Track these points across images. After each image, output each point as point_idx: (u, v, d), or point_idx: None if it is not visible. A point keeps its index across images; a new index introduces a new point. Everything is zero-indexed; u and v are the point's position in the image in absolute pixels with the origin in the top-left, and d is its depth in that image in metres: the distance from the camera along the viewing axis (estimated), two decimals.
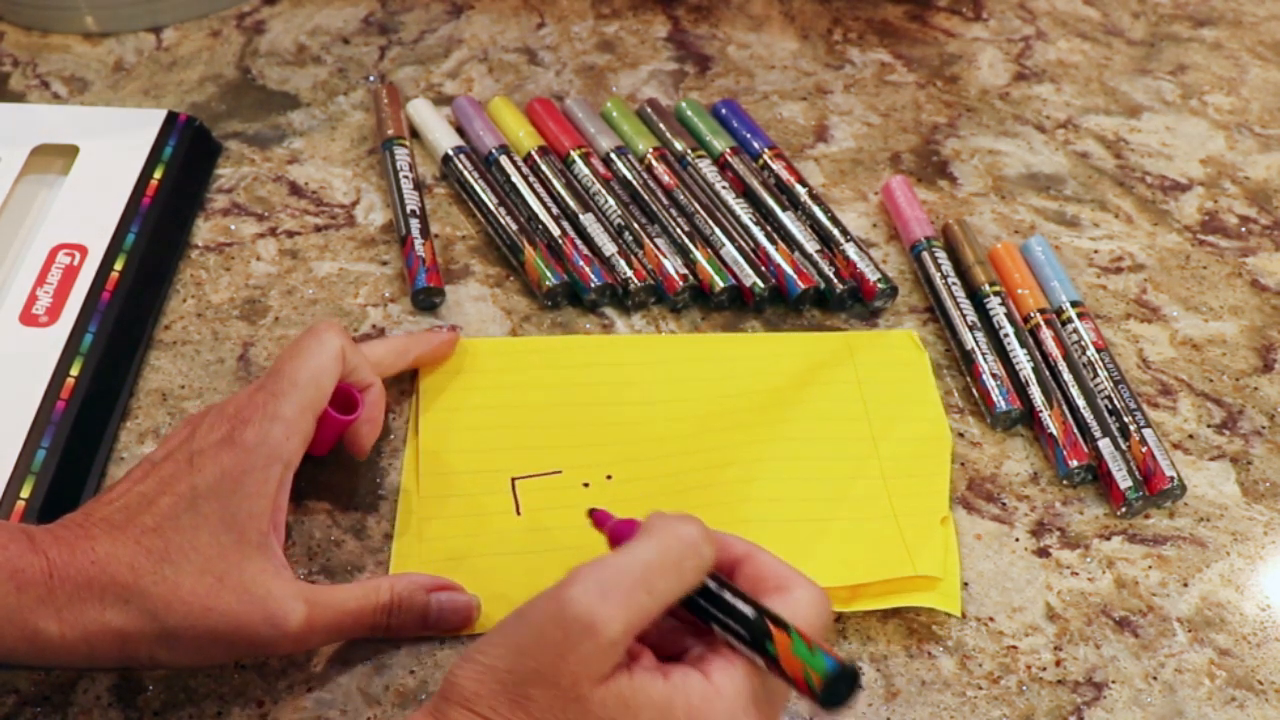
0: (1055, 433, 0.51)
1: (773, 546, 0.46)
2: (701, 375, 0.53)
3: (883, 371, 0.54)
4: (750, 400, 0.52)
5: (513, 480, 0.48)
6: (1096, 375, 0.53)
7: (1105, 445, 0.50)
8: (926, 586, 0.45)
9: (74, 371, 0.50)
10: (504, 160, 0.62)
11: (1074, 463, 0.50)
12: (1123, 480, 0.49)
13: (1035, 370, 0.53)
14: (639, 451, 0.50)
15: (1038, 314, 0.56)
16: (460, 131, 0.66)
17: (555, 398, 0.52)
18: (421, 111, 0.66)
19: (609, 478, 0.49)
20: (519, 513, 0.47)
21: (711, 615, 0.35)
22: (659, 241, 0.58)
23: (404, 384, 0.53)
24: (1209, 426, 0.53)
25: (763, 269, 0.57)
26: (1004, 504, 0.50)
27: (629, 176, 0.62)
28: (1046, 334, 0.55)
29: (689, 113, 0.66)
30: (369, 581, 0.42)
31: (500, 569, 0.46)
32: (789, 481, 0.49)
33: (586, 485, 0.48)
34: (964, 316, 0.55)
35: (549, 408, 0.51)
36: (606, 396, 0.52)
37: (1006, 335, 0.55)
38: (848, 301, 0.57)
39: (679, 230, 0.59)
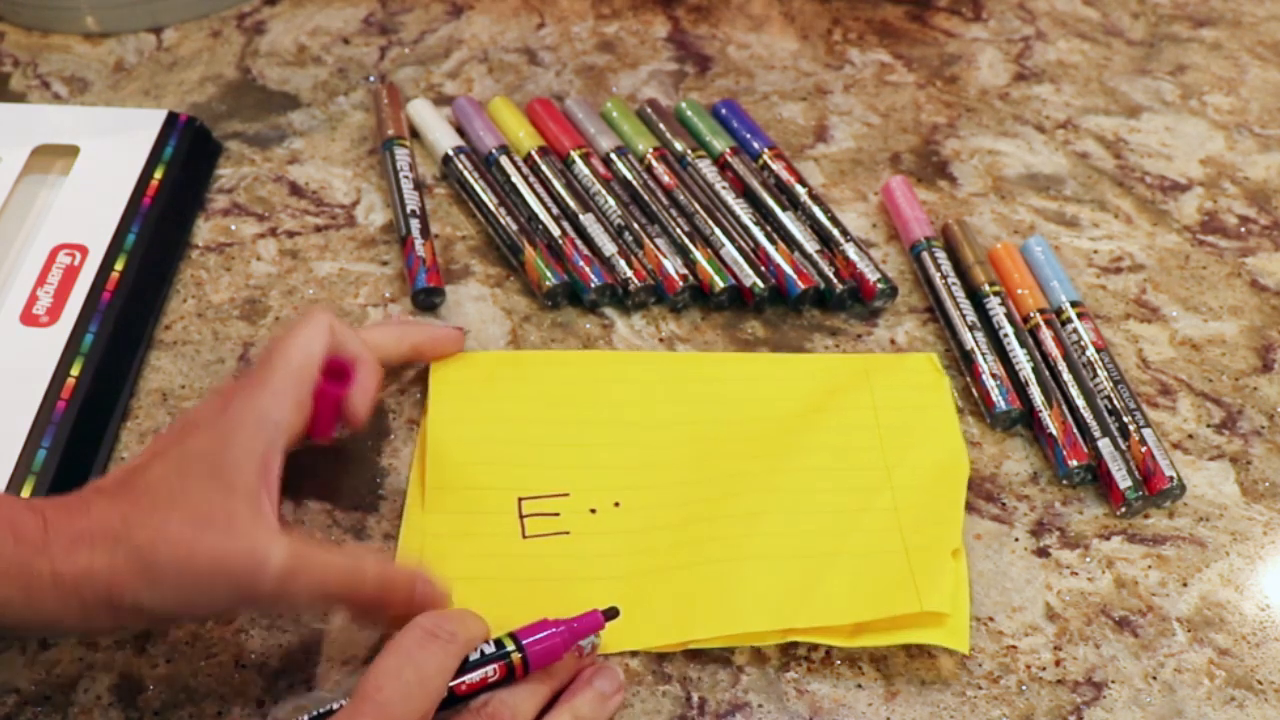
0: (1055, 433, 0.51)
1: (777, 583, 0.46)
2: (715, 397, 0.52)
3: (900, 396, 0.53)
4: (763, 427, 0.51)
5: (519, 500, 0.48)
6: (1096, 375, 0.53)
7: (1105, 445, 0.50)
8: (933, 622, 0.45)
9: (74, 371, 0.50)
10: (504, 160, 0.62)
11: (1074, 463, 0.50)
12: (1122, 480, 0.49)
13: (1035, 370, 0.53)
14: (648, 478, 0.49)
15: (1037, 314, 0.56)
16: (460, 132, 0.66)
17: (566, 414, 0.51)
18: (422, 112, 0.66)
19: (616, 504, 0.48)
20: (524, 535, 0.47)
21: None
22: (659, 241, 0.58)
23: (405, 381, 0.53)
24: (1208, 426, 0.53)
25: (763, 269, 0.57)
26: (1004, 504, 0.50)
27: (629, 177, 0.62)
28: (1046, 334, 0.55)
29: (689, 113, 0.66)
30: (359, 553, 0.43)
31: (500, 594, 0.45)
32: (798, 514, 0.48)
33: (593, 511, 0.48)
34: (964, 316, 0.55)
35: (560, 424, 0.51)
36: (618, 416, 0.51)
37: (1006, 335, 0.55)
38: (848, 301, 0.57)
39: (679, 230, 0.59)
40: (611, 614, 0.42)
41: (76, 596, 0.38)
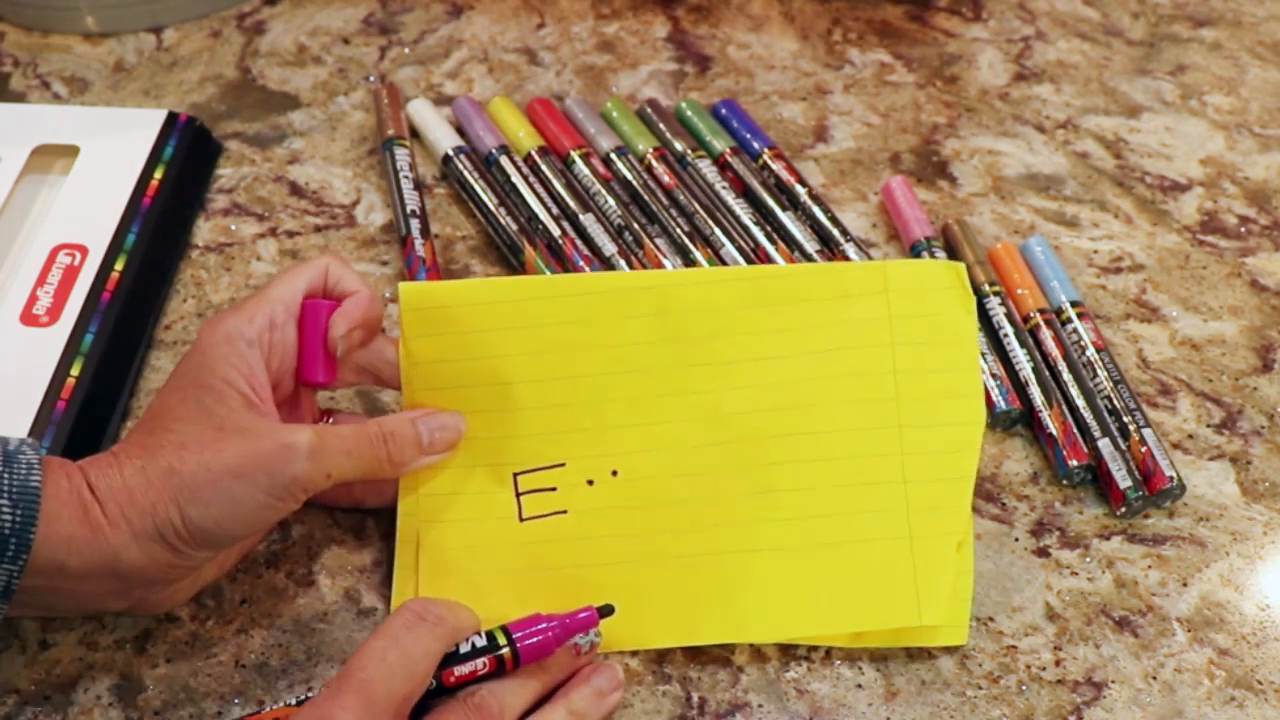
0: (1055, 433, 0.51)
1: (780, 585, 0.45)
2: (713, 332, 0.47)
3: (918, 329, 0.47)
4: (770, 376, 0.47)
5: (515, 475, 0.47)
6: (1096, 375, 0.53)
7: (1105, 445, 0.50)
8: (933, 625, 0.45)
9: (74, 371, 0.50)
10: (504, 160, 0.62)
11: (1074, 463, 0.50)
12: (1122, 480, 0.49)
13: (1035, 370, 0.53)
14: (645, 439, 0.47)
15: (1037, 314, 0.56)
16: (460, 131, 0.66)
17: (555, 370, 0.47)
18: (422, 112, 0.66)
19: (614, 474, 0.46)
20: (522, 518, 0.46)
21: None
22: (659, 241, 0.58)
23: None
24: (1208, 426, 0.53)
25: None
26: (1004, 504, 0.50)
27: (629, 176, 0.62)
28: (1046, 334, 0.55)
29: (689, 113, 0.66)
30: (364, 420, 0.45)
31: (499, 588, 0.45)
32: (805, 492, 0.46)
33: (591, 483, 0.47)
34: None
35: (547, 381, 0.47)
36: (611, 364, 0.47)
37: (1006, 335, 0.55)
38: None
39: (679, 230, 0.59)
40: (606, 611, 0.42)
41: (127, 526, 0.39)
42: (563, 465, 0.47)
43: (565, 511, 0.46)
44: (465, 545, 0.46)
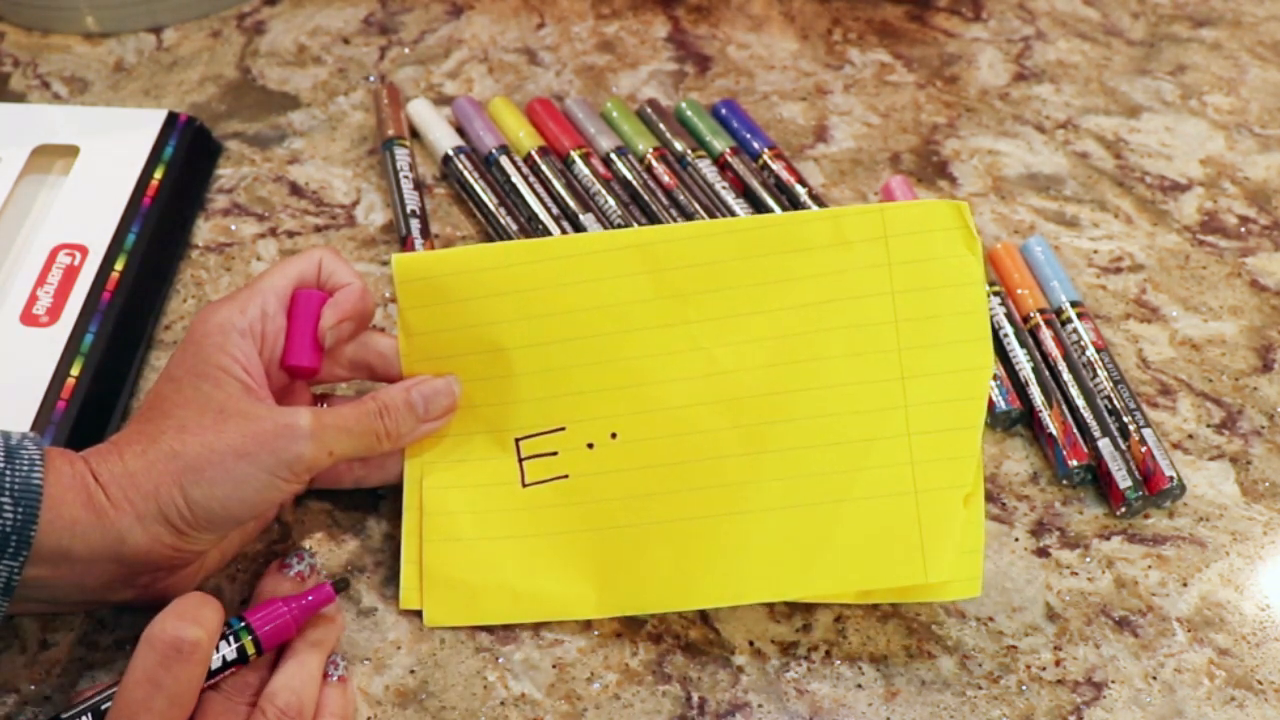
0: (1055, 433, 0.51)
1: (781, 545, 0.44)
2: (709, 287, 0.46)
3: (921, 275, 0.45)
4: (767, 330, 0.46)
5: (517, 441, 0.47)
6: (1096, 375, 0.53)
7: (1105, 445, 0.50)
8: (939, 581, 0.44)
9: (74, 371, 0.50)
10: (504, 160, 0.62)
11: (1074, 463, 0.50)
12: (1122, 480, 0.49)
13: (1035, 370, 0.53)
14: (644, 400, 0.46)
15: (1037, 314, 0.56)
16: (460, 132, 0.66)
17: (552, 333, 0.47)
18: (422, 112, 0.66)
19: (614, 436, 0.46)
20: (524, 483, 0.46)
21: None
22: None
23: None
24: (1208, 426, 0.53)
25: None
26: (1004, 504, 0.50)
27: (629, 177, 0.62)
28: (1046, 334, 0.55)
29: (689, 113, 0.66)
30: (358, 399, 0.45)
31: (502, 555, 0.46)
32: (806, 450, 0.45)
33: (591, 447, 0.46)
34: None
35: (546, 346, 0.47)
36: (606, 325, 0.47)
37: (1006, 335, 0.55)
38: None
39: None
40: (341, 585, 0.43)
41: (131, 509, 0.39)
42: (563, 429, 0.47)
43: (567, 476, 0.46)
44: (469, 512, 0.46)
